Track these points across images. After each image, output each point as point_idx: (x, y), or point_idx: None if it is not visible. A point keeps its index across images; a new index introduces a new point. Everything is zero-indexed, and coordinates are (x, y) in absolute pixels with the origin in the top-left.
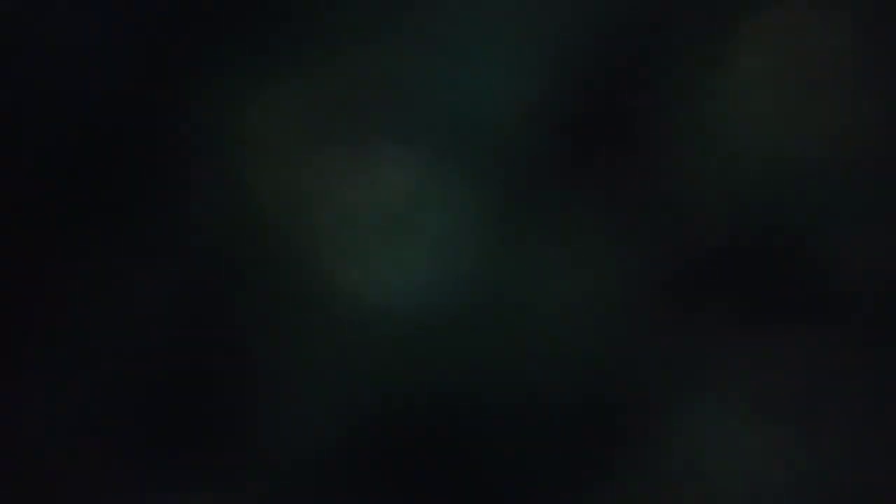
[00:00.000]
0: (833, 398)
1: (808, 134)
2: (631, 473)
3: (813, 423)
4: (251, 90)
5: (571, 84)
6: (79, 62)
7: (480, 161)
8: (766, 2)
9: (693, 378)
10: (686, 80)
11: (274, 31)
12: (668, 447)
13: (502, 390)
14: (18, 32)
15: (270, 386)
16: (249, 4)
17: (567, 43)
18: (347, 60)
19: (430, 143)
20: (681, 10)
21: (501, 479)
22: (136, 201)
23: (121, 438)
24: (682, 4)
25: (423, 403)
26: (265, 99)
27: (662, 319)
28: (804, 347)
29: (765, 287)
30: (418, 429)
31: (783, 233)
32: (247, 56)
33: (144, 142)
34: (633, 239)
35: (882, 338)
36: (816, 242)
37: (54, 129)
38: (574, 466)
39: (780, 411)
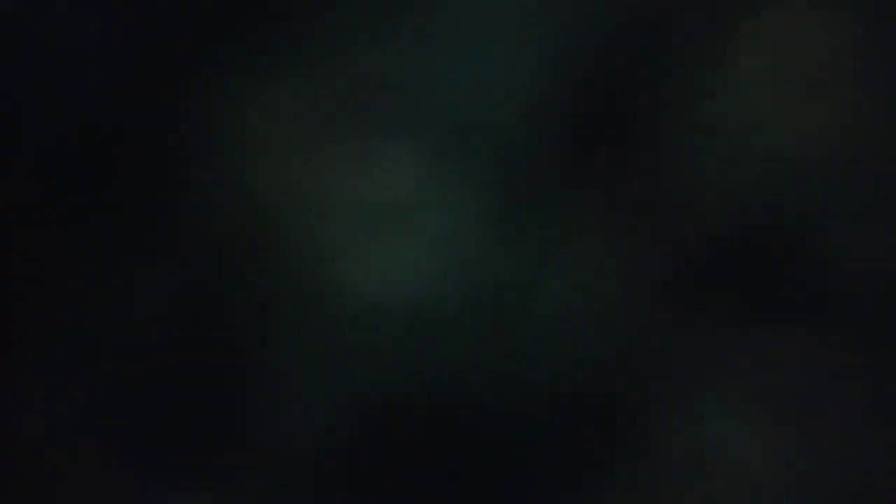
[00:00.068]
0: (833, 398)
1: (808, 134)
2: (631, 473)
3: (813, 423)
4: (251, 90)
5: (571, 84)
6: (79, 62)
7: (480, 161)
8: (766, 2)
9: (693, 378)
10: (686, 80)
11: (274, 31)
12: (668, 447)
13: (502, 390)
14: (18, 32)
15: (270, 386)
16: (249, 4)
17: (567, 43)
18: (347, 60)
19: (430, 142)
20: (681, 10)
21: (501, 479)
22: (136, 201)
23: (121, 438)
24: (682, 4)
25: (422, 403)
26: (265, 99)
27: (662, 319)
28: (804, 347)
29: (765, 287)
30: (418, 428)
31: (783, 233)
32: (247, 56)
33: (144, 142)
34: (633, 239)
35: (882, 338)
36: (816, 242)
37: (54, 129)
38: (574, 466)
39: (780, 411)
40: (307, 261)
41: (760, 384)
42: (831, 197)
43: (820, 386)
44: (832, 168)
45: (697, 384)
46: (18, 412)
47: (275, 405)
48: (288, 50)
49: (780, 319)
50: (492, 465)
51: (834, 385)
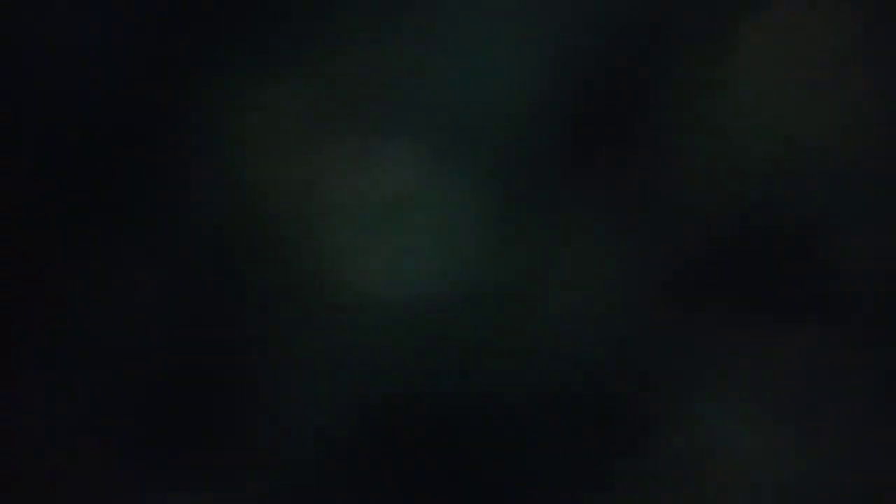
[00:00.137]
0: (833, 398)
1: (808, 133)
2: (631, 473)
3: (813, 423)
4: (251, 90)
5: (571, 84)
6: (79, 62)
7: (480, 160)
8: (765, 1)
9: (693, 378)
10: (686, 80)
11: (274, 31)
12: (668, 447)
13: (502, 389)
14: (18, 32)
15: (270, 386)
16: (249, 4)
17: (567, 43)
18: (347, 60)
19: (430, 142)
20: (681, 10)
21: (501, 479)
22: (136, 201)
23: (121, 438)
24: (682, 4)
25: (422, 402)
26: (265, 99)
27: (662, 319)
28: (804, 347)
29: (765, 287)
30: (418, 428)
31: (783, 232)
32: (247, 56)
33: (144, 142)
34: (633, 238)
35: (882, 337)
36: (816, 242)
37: (54, 129)
38: (574, 466)
39: (781, 411)
40: (307, 260)
41: (760, 384)
42: (832, 197)
43: (820, 386)
44: (833, 168)
45: (697, 384)
46: (18, 412)
47: (275, 405)
48: (288, 50)
49: (781, 319)
50: (492, 465)
51: (834, 385)
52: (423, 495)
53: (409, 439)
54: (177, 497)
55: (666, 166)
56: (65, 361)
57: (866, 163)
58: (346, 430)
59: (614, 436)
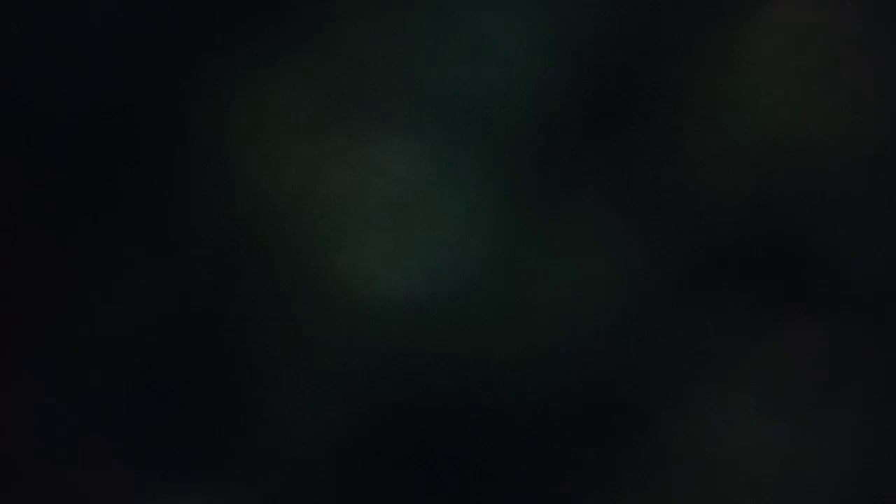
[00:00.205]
0: (838, 394)
1: (817, 127)
2: (636, 471)
3: (819, 420)
4: (251, 88)
5: (573, 82)
6: (79, 61)
7: (482, 158)
8: None
9: (696, 376)
10: (692, 72)
11: (274, 29)
12: (671, 444)
13: (502, 388)
14: (18, 32)
15: (272, 384)
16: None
17: (569, 40)
18: (351, 53)
19: (431, 140)
20: (685, 4)
21: (502, 478)
22: (136, 200)
23: (121, 438)
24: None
25: (421, 401)
26: (267, 96)
27: (672, 313)
28: (809, 344)
29: (776, 281)
30: (418, 426)
31: (794, 226)
32: (247, 55)
33: (145, 140)
34: (641, 233)
35: (888, 333)
36: (828, 236)
37: (54, 129)
38: (575, 465)
39: (786, 408)
40: (308, 259)
41: (765, 381)
42: (836, 193)
43: (825, 383)
44: (837, 163)
45: (700, 382)
46: (18, 412)
47: (275, 404)
48: (289, 45)
49: (785, 316)
50: (492, 464)
51: (839, 382)
52: (424, 495)
53: (408, 438)
54: (177, 497)
55: (668, 164)
56: (65, 361)
57: (870, 158)
58: (347, 429)
59: (616, 435)
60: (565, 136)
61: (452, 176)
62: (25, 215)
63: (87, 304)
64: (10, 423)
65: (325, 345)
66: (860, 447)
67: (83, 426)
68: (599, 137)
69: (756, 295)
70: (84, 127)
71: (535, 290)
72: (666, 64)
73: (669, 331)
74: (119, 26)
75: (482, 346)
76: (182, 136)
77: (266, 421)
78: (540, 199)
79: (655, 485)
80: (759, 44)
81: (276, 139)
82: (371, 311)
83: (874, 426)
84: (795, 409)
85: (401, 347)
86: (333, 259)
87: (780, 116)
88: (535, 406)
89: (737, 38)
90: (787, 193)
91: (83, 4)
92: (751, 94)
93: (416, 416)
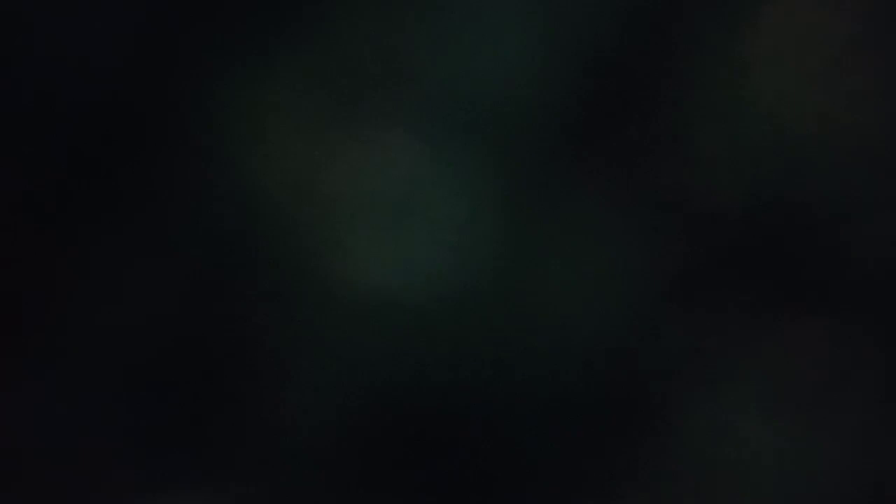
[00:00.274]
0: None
1: (817, 127)
2: (637, 470)
3: (825, 417)
4: (252, 87)
5: (578, 75)
6: (79, 61)
7: (482, 157)
8: None
9: (698, 374)
10: (695, 69)
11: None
12: (677, 441)
13: (502, 387)
14: (18, 32)
15: (273, 384)
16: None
17: (573, 35)
18: (351, 50)
19: (432, 139)
20: (685, 4)
21: (502, 478)
22: (136, 200)
23: (121, 438)
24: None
25: (421, 400)
26: (267, 94)
27: (672, 313)
28: (814, 341)
29: (776, 281)
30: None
31: (794, 226)
32: (247, 54)
33: (145, 141)
34: (641, 233)
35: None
36: (828, 236)
37: (54, 129)
38: (575, 464)
39: (790, 406)
40: (307, 257)
41: (769, 380)
42: (840, 189)
43: (829, 381)
44: (841, 160)
45: (703, 380)
46: (18, 412)
47: (276, 404)
48: (289, 43)
49: (788, 314)
50: (492, 463)
51: (844, 380)
52: (424, 494)
53: (408, 438)
54: (177, 497)
55: (668, 164)
56: (65, 361)
57: (871, 158)
58: (346, 429)
59: (616, 435)
60: (565, 136)
61: (452, 176)
62: (25, 215)
63: (87, 304)
64: (10, 423)
65: (325, 344)
66: (860, 447)
67: (83, 426)
68: (599, 137)
69: (756, 295)
70: (84, 127)
71: (535, 289)
72: (666, 64)
73: (670, 330)
74: (119, 26)
75: (482, 346)
76: (182, 136)
77: (266, 420)
78: (540, 199)
79: (655, 485)
80: (760, 44)
81: (276, 139)
82: (371, 310)
83: (874, 426)
84: (795, 409)
85: (401, 347)
86: (333, 258)
87: (781, 116)
88: (536, 406)
89: (737, 38)
90: (788, 193)
91: (83, 4)
92: (751, 93)
93: (416, 416)
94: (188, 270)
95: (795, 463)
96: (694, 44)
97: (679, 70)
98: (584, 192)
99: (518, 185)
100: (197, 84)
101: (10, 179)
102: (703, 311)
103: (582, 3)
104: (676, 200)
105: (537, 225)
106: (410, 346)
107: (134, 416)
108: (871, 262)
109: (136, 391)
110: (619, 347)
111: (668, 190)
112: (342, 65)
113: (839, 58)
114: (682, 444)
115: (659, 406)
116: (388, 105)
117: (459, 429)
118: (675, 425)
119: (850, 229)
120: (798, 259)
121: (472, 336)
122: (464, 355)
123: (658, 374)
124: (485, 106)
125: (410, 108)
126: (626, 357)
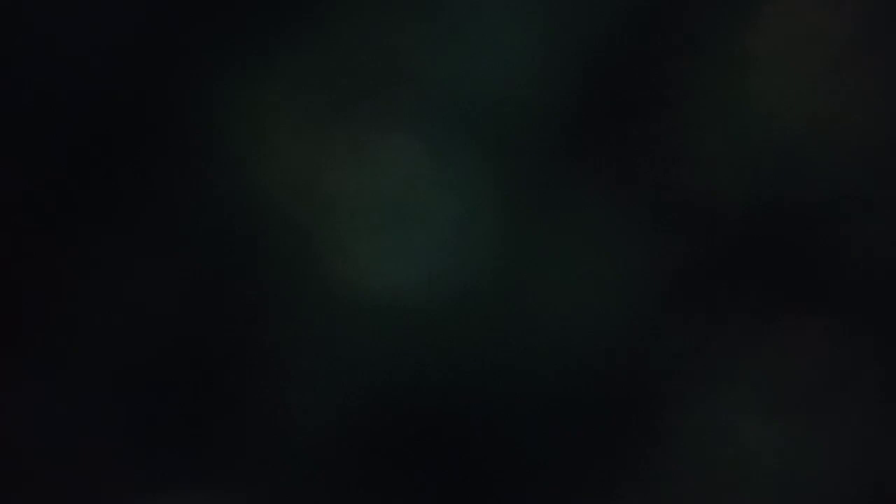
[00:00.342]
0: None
1: (817, 127)
2: (638, 470)
3: (825, 417)
4: (251, 87)
5: (579, 74)
6: (79, 61)
7: (486, 155)
8: None
9: (698, 373)
10: (692, 72)
11: (275, 26)
12: (677, 441)
13: (502, 388)
14: (18, 32)
15: (273, 384)
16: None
17: (575, 32)
18: (348, 55)
19: (432, 139)
20: (685, 4)
21: (502, 478)
22: (136, 200)
23: (121, 438)
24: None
25: (421, 400)
26: (266, 95)
27: (672, 313)
28: (814, 340)
29: (776, 281)
30: (418, 426)
31: (794, 226)
32: (247, 56)
33: (145, 141)
34: (641, 233)
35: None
36: (828, 236)
37: (54, 129)
38: (576, 464)
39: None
40: (307, 257)
41: (769, 380)
42: (840, 189)
43: (829, 381)
44: (842, 160)
45: (703, 380)
46: (18, 412)
47: (277, 404)
48: (289, 43)
49: (789, 314)
50: (492, 464)
51: (844, 380)
52: (424, 494)
53: (409, 438)
54: (177, 497)
55: (668, 164)
56: (65, 361)
57: (871, 158)
58: (347, 429)
59: (616, 434)
60: (565, 136)
61: (452, 176)
62: (25, 215)
63: (87, 304)
64: (10, 423)
65: (325, 344)
66: (860, 447)
67: (83, 426)
68: (599, 137)
69: (756, 295)
70: (84, 127)
71: (534, 289)
72: (666, 64)
73: (669, 330)
74: (119, 26)
75: (482, 346)
76: (182, 136)
77: (266, 421)
78: (540, 199)
79: (656, 485)
80: (760, 44)
81: (276, 139)
82: (371, 310)
83: (874, 426)
84: (795, 409)
85: (401, 347)
86: (333, 259)
87: (781, 116)
88: (536, 406)
89: (737, 38)
90: (788, 193)
91: (83, 4)
92: (751, 93)
93: (417, 416)
94: (188, 270)
95: (795, 463)
96: (694, 44)
97: (679, 70)
98: (584, 192)
99: (518, 185)
100: (197, 84)
101: (10, 179)
102: (703, 311)
103: (582, 4)
104: (676, 200)
105: (537, 225)
106: (410, 346)
107: (134, 416)
108: (871, 262)
109: (136, 391)
110: (618, 347)
111: (668, 190)
112: (342, 65)
113: (839, 58)
114: (682, 444)
115: (659, 406)
116: (388, 105)
117: (459, 429)
118: (675, 425)
119: (850, 229)
120: (798, 259)
121: (472, 336)
122: (464, 355)
123: (658, 374)
124: (485, 106)
125: (410, 108)
126: (626, 357)
